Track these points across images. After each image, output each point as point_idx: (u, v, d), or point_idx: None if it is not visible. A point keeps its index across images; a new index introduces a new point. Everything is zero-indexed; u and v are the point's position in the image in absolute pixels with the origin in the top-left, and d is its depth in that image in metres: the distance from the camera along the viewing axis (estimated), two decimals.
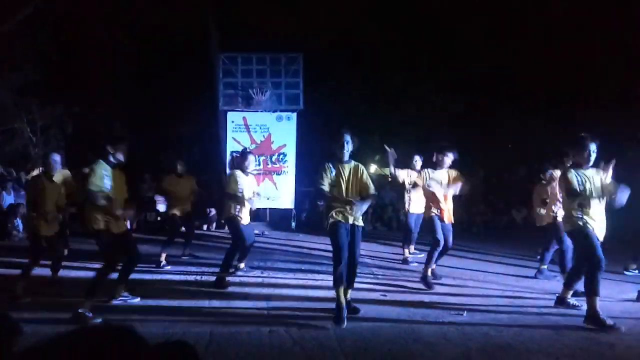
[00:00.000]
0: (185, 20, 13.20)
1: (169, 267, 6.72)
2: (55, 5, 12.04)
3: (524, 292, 5.76)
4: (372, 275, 6.50)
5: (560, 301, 4.99)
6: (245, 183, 6.00)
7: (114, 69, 14.72)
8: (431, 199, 5.94)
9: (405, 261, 7.43)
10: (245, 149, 7.95)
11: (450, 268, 6.88)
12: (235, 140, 11.60)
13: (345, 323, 4.34)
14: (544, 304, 5.18)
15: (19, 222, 8.62)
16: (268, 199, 11.00)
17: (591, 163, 4.67)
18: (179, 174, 7.30)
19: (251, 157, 6.30)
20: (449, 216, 5.92)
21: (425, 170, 5.99)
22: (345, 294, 4.58)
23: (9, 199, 9.06)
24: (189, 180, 7.39)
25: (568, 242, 5.64)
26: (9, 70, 13.24)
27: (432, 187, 5.85)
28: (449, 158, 5.89)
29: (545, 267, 6.46)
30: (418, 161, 7.66)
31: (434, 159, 6.01)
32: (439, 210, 5.84)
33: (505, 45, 13.27)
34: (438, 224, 5.82)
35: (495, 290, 5.83)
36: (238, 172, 6.03)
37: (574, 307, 4.88)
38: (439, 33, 13.81)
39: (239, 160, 6.16)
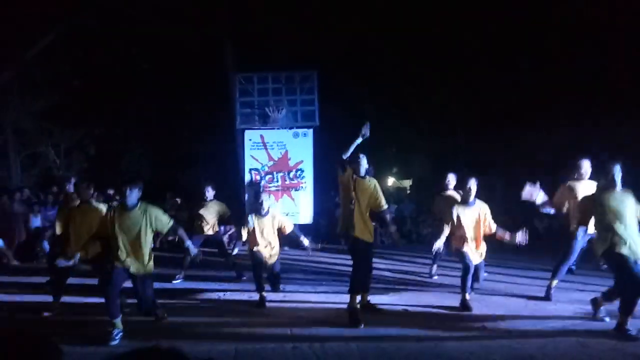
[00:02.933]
0: (202, 43, 13.51)
1: (178, 282, 6.90)
2: (75, 32, 12.44)
3: (548, 303, 5.70)
4: (393, 291, 6.49)
5: (619, 329, 4.44)
6: (261, 226, 5.97)
7: (132, 90, 15.11)
8: (461, 238, 5.68)
9: (430, 276, 7.41)
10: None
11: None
12: (253, 158, 11.76)
13: (362, 324, 4.70)
14: (568, 314, 5.12)
15: (45, 244, 8.83)
16: (287, 215, 11.09)
17: (618, 185, 4.59)
18: (207, 199, 7.33)
19: (264, 197, 6.20)
20: (478, 256, 5.71)
21: (457, 207, 5.73)
22: (364, 298, 5.29)
23: (35, 221, 9.29)
24: (217, 205, 7.39)
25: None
26: (32, 96, 13.69)
27: (463, 229, 5.62)
28: (474, 185, 5.69)
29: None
30: (452, 180, 7.30)
31: (465, 185, 5.78)
32: (467, 247, 5.63)
33: (519, 52, 13.17)
34: (467, 254, 5.60)
35: (517, 302, 5.78)
36: (253, 218, 5.99)
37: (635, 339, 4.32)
38: (453, 43, 13.80)
39: (253, 201, 6.15)
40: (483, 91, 13.91)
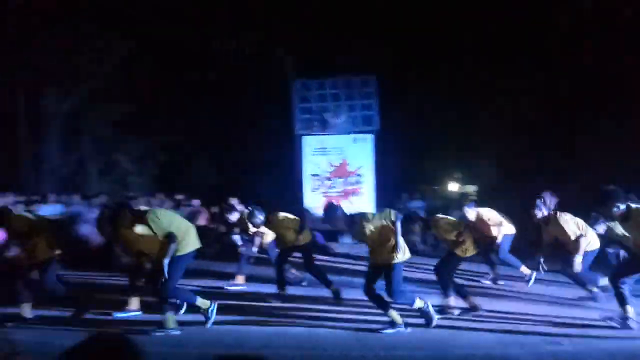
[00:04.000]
0: (261, 51, 13.81)
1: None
2: (150, 44, 13.16)
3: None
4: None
5: None
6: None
7: (199, 99, 15.71)
8: None
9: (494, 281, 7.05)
10: None
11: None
12: (312, 164, 11.84)
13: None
14: None
15: None
16: None
17: None
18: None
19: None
20: None
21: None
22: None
23: None
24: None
25: None
26: (109, 106, 14.61)
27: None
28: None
29: None
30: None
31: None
32: None
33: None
34: None
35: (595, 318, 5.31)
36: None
37: None
38: (521, 38, 13.10)
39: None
40: (556, 87, 13.09)
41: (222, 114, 16.29)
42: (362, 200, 11.55)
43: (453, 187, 16.26)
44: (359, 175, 11.65)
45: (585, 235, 5.65)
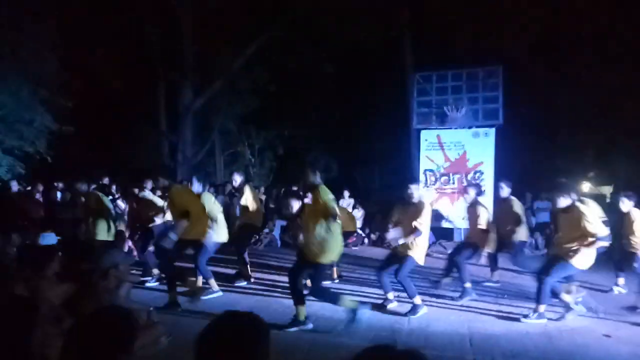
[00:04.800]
0: (381, 43, 13.73)
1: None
2: (271, 42, 13.83)
3: None
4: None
5: None
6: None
7: (317, 92, 16.16)
8: None
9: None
10: None
11: None
12: (428, 159, 11.53)
13: None
14: None
15: None
16: (463, 218, 10.60)
17: None
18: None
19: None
20: None
21: None
22: None
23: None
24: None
25: None
26: (235, 101, 15.68)
27: None
28: None
29: None
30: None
31: None
32: None
33: None
34: None
35: None
36: None
37: None
38: None
39: None
40: None
41: (341, 107, 16.61)
42: (482, 198, 10.97)
43: (585, 187, 14.78)
44: (478, 171, 11.08)
45: None
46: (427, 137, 11.61)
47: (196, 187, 6.06)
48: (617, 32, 12.01)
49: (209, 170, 16.75)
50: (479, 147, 11.09)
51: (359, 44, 13.36)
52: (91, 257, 3.21)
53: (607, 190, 15.79)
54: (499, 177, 10.89)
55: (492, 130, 11.00)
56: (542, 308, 5.02)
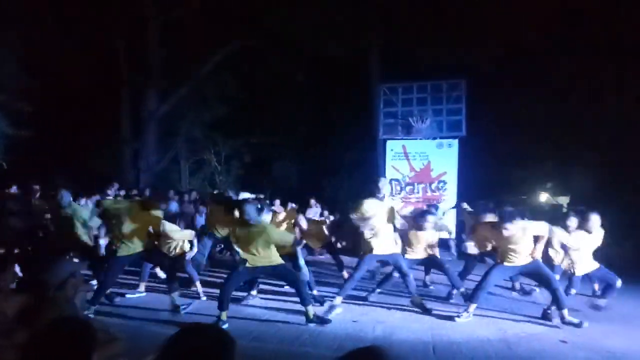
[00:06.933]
0: (349, 55, 13.90)
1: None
2: (241, 51, 13.82)
3: None
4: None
5: None
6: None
7: (285, 102, 16.19)
8: None
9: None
10: None
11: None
12: (394, 168, 11.73)
13: None
14: None
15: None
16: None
17: None
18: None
19: None
20: None
21: None
22: None
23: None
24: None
25: None
26: (202, 108, 15.52)
27: None
28: None
29: None
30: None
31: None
32: None
33: None
34: None
35: None
36: None
37: None
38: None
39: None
40: None
41: (309, 117, 16.66)
42: (445, 207, 11.22)
43: (543, 197, 15.29)
44: (441, 181, 11.35)
45: None
46: (393, 147, 11.83)
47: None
48: (575, 48, 12.58)
49: (173, 178, 16.46)
50: (442, 158, 11.37)
51: (327, 55, 13.51)
52: (48, 267, 3.11)
53: (564, 200, 16.40)
54: (461, 187, 11.23)
55: (455, 142, 11.31)
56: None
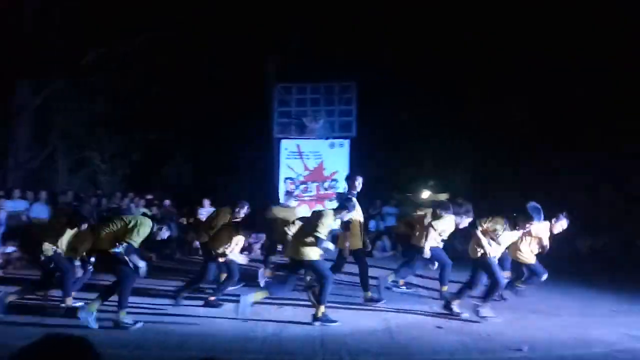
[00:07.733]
0: (244, 54, 13.78)
1: None
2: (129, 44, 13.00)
3: (591, 327, 5.36)
4: (427, 306, 6.27)
5: None
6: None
7: (178, 99, 15.53)
8: None
9: None
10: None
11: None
12: (289, 167, 11.83)
13: None
14: (613, 340, 4.82)
15: None
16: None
17: None
18: None
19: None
20: None
21: None
22: None
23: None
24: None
25: None
26: (83, 103, 14.31)
27: None
28: None
29: None
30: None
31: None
32: None
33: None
34: None
35: (558, 324, 5.48)
36: None
37: None
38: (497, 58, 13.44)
39: None
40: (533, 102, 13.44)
41: (200, 114, 16.15)
42: (336, 205, 11.57)
43: (426, 194, 16.48)
44: (334, 180, 11.69)
45: None
46: (288, 146, 11.93)
47: None
48: (459, 51, 13.77)
49: (51, 178, 14.98)
50: (334, 157, 11.72)
51: (221, 54, 13.28)
52: None
53: (444, 197, 17.81)
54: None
55: (347, 142, 11.73)
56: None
